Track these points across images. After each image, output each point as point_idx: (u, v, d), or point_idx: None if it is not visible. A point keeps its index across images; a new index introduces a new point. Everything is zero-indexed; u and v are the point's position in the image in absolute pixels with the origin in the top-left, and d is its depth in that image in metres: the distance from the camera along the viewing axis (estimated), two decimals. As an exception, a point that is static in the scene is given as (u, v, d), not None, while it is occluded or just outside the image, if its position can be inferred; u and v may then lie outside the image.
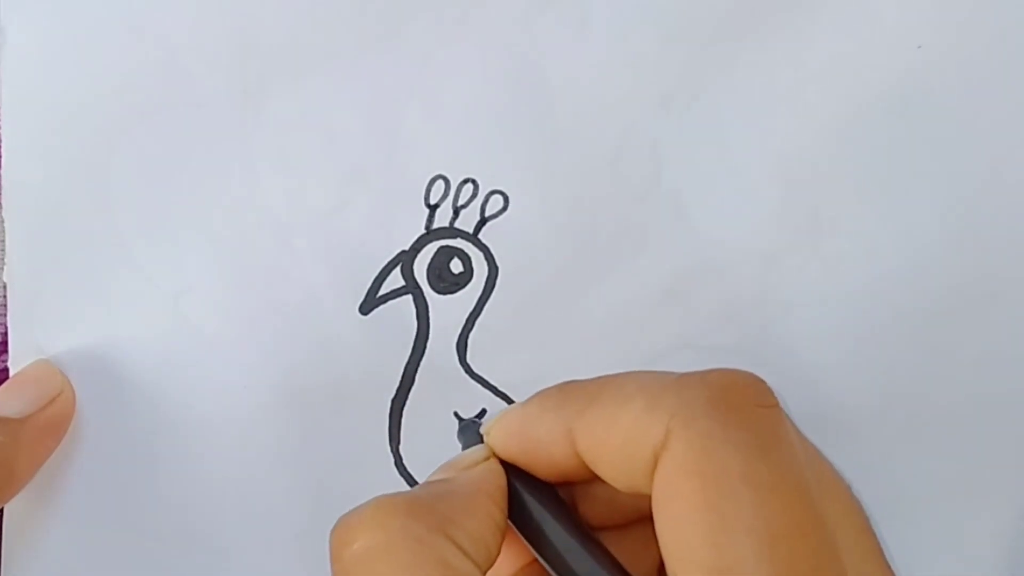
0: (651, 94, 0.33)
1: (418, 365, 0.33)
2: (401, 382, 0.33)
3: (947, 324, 0.33)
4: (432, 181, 0.33)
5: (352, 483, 0.33)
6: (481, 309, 0.33)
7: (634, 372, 0.26)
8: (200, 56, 0.32)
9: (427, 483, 0.27)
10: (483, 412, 0.32)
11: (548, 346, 0.33)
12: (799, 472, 0.23)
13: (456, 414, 0.33)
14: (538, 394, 0.27)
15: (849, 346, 0.33)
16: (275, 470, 0.33)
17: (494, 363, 0.33)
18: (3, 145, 0.32)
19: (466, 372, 0.33)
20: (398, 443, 0.33)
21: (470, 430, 0.28)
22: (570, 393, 0.26)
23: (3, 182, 0.32)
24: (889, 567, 0.25)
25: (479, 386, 0.33)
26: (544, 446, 0.26)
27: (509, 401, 0.33)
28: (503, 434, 0.27)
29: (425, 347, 0.33)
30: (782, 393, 0.33)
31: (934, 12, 0.33)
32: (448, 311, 0.33)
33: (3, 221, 0.33)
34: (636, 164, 0.33)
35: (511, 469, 0.27)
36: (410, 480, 0.33)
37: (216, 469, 0.33)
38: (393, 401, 0.33)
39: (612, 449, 0.24)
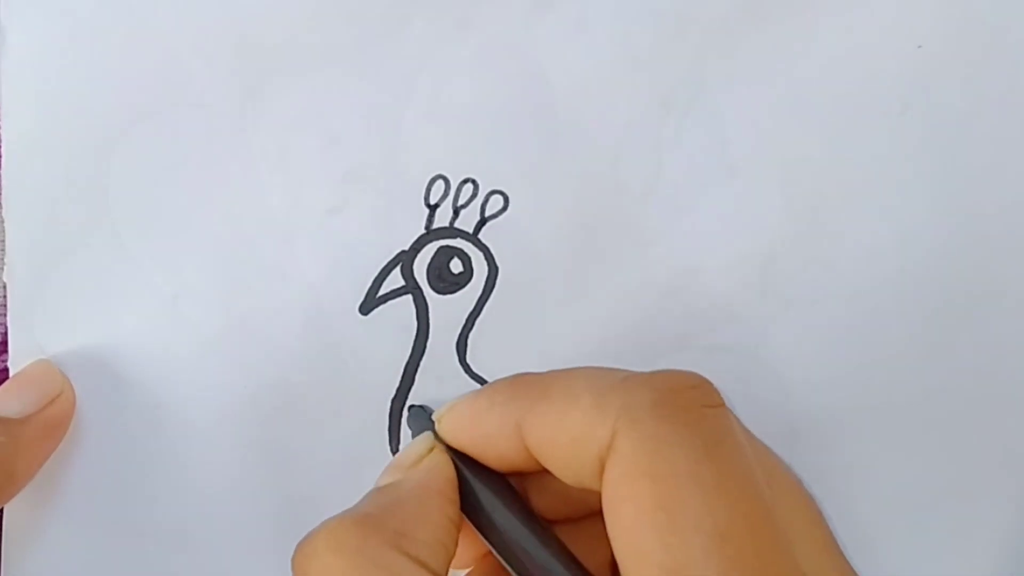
0: (651, 94, 0.33)
1: (418, 365, 0.33)
2: (401, 382, 0.33)
3: (947, 324, 0.33)
4: (432, 181, 0.33)
5: (352, 483, 0.33)
6: (481, 309, 0.33)
7: (584, 368, 0.26)
8: (200, 56, 0.32)
9: (377, 491, 0.27)
10: (427, 408, 0.32)
11: (548, 346, 0.33)
12: (746, 469, 0.23)
13: (410, 405, 0.33)
14: (489, 386, 0.27)
15: (849, 346, 0.33)
16: (275, 470, 0.33)
17: (494, 363, 0.33)
18: (3, 145, 0.32)
19: (466, 372, 0.33)
20: (398, 443, 0.33)
21: (420, 416, 0.28)
22: (520, 387, 0.26)
23: (3, 182, 0.32)
24: (844, 558, 0.25)
25: (479, 386, 0.33)
26: (493, 440, 0.26)
27: (509, 401, 0.33)
28: (453, 425, 0.27)
29: (425, 347, 0.33)
30: (782, 393, 0.33)
31: (934, 12, 0.33)
32: (448, 311, 0.33)
33: (3, 221, 0.33)
34: (636, 164, 0.33)
35: (462, 458, 0.27)
36: (410, 480, 0.33)
37: (215, 469, 0.33)
38: (393, 401, 0.33)
39: (560, 447, 0.25)
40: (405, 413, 0.32)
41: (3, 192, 0.32)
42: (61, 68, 0.32)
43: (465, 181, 0.33)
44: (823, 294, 0.33)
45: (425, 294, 0.33)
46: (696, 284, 0.33)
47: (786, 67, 0.33)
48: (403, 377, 0.33)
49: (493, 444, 0.26)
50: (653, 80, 0.33)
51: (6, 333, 0.33)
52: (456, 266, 0.33)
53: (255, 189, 0.33)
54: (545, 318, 0.33)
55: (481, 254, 0.33)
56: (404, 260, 0.33)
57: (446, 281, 0.33)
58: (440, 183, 0.33)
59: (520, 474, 0.27)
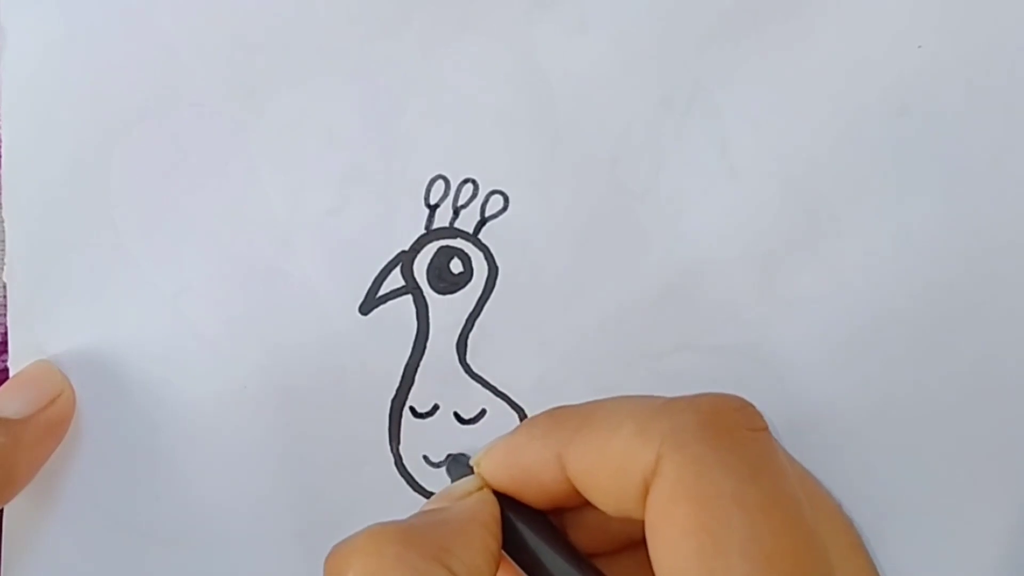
0: (651, 94, 0.33)
1: (418, 365, 0.33)
2: (401, 382, 0.33)
3: (947, 324, 0.33)
4: (432, 181, 0.33)
5: (352, 483, 0.33)
6: (481, 309, 0.33)
7: (624, 397, 0.26)
8: (200, 56, 0.32)
9: (421, 512, 0.27)
10: (464, 455, 0.31)
11: (548, 346, 0.33)
12: (791, 493, 0.23)
13: (448, 454, 0.33)
14: (526, 422, 0.27)
15: (849, 346, 0.33)
16: (275, 470, 0.33)
17: (494, 363, 0.33)
18: (3, 145, 0.32)
19: (466, 372, 0.33)
20: (398, 443, 0.33)
21: (458, 463, 0.28)
22: (559, 419, 0.26)
23: (3, 182, 0.32)
24: None
25: (479, 386, 0.33)
26: (534, 474, 0.26)
27: (509, 401, 0.33)
28: (493, 464, 0.27)
29: (425, 347, 0.33)
30: (782, 393, 0.33)
31: (934, 12, 0.33)
32: (448, 311, 0.33)
33: (3, 221, 0.33)
34: (636, 164, 0.33)
35: (503, 499, 0.27)
36: (410, 480, 0.33)
37: (216, 469, 0.33)
38: (393, 401, 0.33)
39: (603, 475, 0.25)
40: (445, 462, 0.32)
41: (3, 192, 0.32)
42: (61, 68, 0.32)
43: (465, 181, 0.33)
44: (823, 294, 0.33)
45: (425, 294, 0.33)
46: (696, 284, 0.33)
47: (786, 67, 0.33)
48: (403, 377, 0.33)
49: (534, 478, 0.26)
50: (653, 80, 0.33)
51: (6, 333, 0.33)
52: (456, 266, 0.33)
53: (255, 189, 0.33)
54: (545, 318, 0.33)
55: (481, 254, 0.33)
56: (404, 260, 0.33)
57: (446, 281, 0.33)
58: (440, 183, 0.33)
59: (559, 511, 0.27)
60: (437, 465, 0.33)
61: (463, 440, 0.33)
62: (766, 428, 0.24)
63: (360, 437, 0.33)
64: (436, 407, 0.33)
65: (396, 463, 0.33)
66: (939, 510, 0.33)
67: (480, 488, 0.27)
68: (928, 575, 0.33)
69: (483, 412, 0.33)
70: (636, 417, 0.24)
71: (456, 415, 0.33)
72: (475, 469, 0.27)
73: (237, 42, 0.32)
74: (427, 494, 0.33)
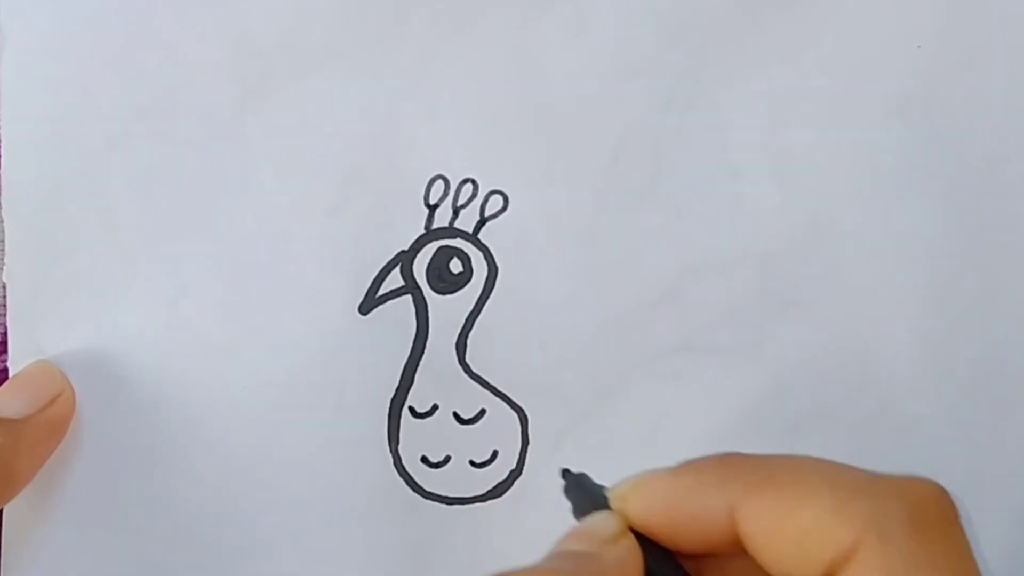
0: (651, 94, 0.33)
1: (417, 365, 0.33)
2: (400, 382, 0.33)
3: (947, 324, 0.33)
4: (432, 181, 0.33)
5: (351, 483, 0.33)
6: (481, 309, 0.33)
7: (812, 459, 0.24)
8: (200, 56, 0.32)
9: (573, 556, 0.24)
10: (588, 478, 0.27)
11: (548, 346, 0.33)
12: None
13: (565, 471, 0.27)
14: (692, 464, 0.25)
15: (849, 346, 0.33)
16: (274, 470, 0.33)
17: (494, 363, 0.33)
18: (3, 145, 0.32)
19: (465, 372, 0.33)
20: (397, 443, 0.33)
21: (585, 489, 0.26)
22: (734, 468, 0.25)
23: (3, 182, 0.32)
24: None
25: (478, 386, 0.33)
26: (699, 521, 0.24)
27: (509, 401, 0.33)
28: (647, 503, 0.25)
29: (424, 347, 0.33)
30: (782, 393, 0.33)
31: (934, 12, 0.33)
32: (448, 311, 0.33)
33: (3, 221, 0.33)
34: (636, 164, 0.33)
35: (645, 543, 0.25)
36: (409, 480, 0.33)
37: (215, 469, 0.33)
38: (392, 401, 0.33)
39: (783, 541, 0.23)
40: (561, 480, 0.27)
41: (3, 192, 0.32)
42: (61, 68, 0.32)
43: (465, 181, 0.33)
44: (823, 294, 0.33)
45: (425, 294, 0.33)
46: (696, 284, 0.33)
47: (786, 67, 0.33)
48: (402, 377, 0.33)
49: (698, 526, 0.24)
50: (653, 80, 0.33)
51: (6, 333, 0.33)
52: (456, 266, 0.33)
53: (255, 189, 0.33)
54: (545, 318, 0.33)
55: (481, 254, 0.33)
56: (404, 260, 0.33)
57: (446, 281, 0.33)
58: (440, 183, 0.33)
59: (700, 556, 0.26)
60: (436, 465, 0.33)
61: (462, 440, 0.33)
62: (959, 519, 0.24)
63: (359, 437, 0.33)
64: (435, 407, 0.33)
65: (395, 463, 0.33)
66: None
67: (623, 532, 0.25)
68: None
69: (482, 412, 0.33)
70: (835, 491, 0.23)
71: (455, 415, 0.33)
72: (616, 504, 0.25)
73: (237, 42, 0.32)
74: (426, 494, 0.33)
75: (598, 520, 0.25)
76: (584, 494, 0.26)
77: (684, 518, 0.25)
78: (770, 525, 0.23)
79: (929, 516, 0.23)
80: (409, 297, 0.33)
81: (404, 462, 0.33)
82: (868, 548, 0.22)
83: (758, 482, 0.24)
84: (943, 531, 0.23)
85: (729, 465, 0.25)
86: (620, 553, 0.24)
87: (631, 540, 0.25)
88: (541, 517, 0.32)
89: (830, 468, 0.24)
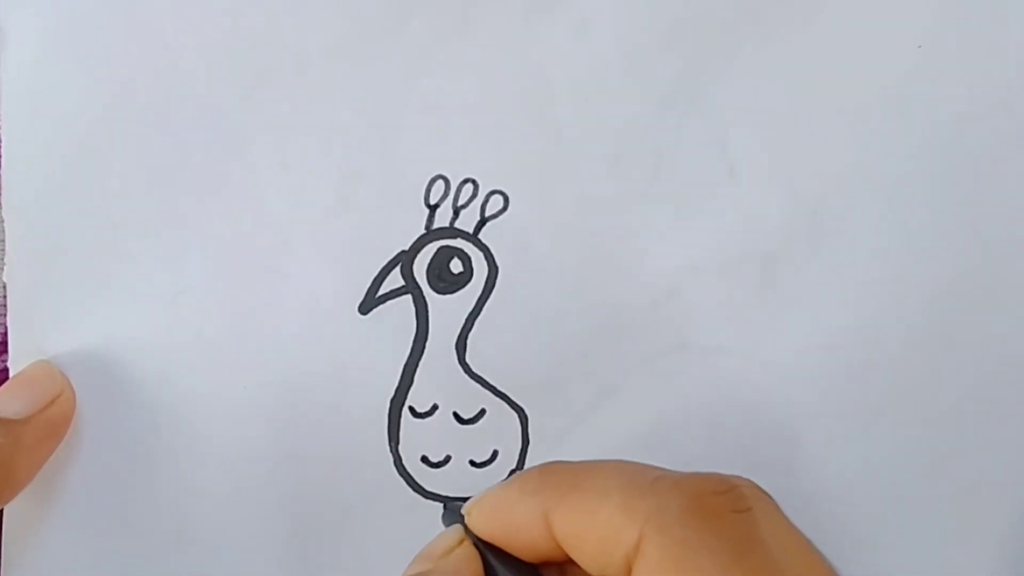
0: (651, 94, 0.33)
1: (417, 365, 0.33)
2: (400, 382, 0.33)
3: (947, 324, 0.33)
4: (432, 181, 0.33)
5: (351, 483, 0.33)
6: (481, 309, 0.33)
7: (615, 464, 0.26)
8: (200, 56, 0.32)
9: None
10: (459, 503, 0.29)
11: (548, 346, 0.33)
12: (776, 572, 0.23)
13: (444, 503, 0.32)
14: (519, 475, 0.27)
15: (849, 346, 0.33)
16: (274, 470, 0.33)
17: (494, 363, 0.33)
18: (3, 145, 0.32)
19: (465, 372, 0.33)
20: (397, 443, 0.33)
21: (451, 512, 0.28)
22: (550, 477, 0.26)
23: (3, 182, 0.32)
24: None
25: (478, 386, 0.33)
26: (522, 529, 0.26)
27: (508, 401, 0.33)
28: (482, 515, 0.27)
29: (424, 347, 0.33)
30: (782, 393, 0.33)
31: (934, 12, 0.33)
32: (448, 311, 0.33)
33: (3, 221, 0.33)
34: (636, 164, 0.33)
35: (492, 550, 0.27)
36: (409, 480, 0.33)
37: (215, 469, 0.33)
38: (392, 401, 0.33)
39: (588, 542, 0.25)
40: (441, 510, 0.30)
41: (3, 192, 0.32)
42: (61, 68, 0.32)
43: (465, 181, 0.33)
44: (823, 294, 0.33)
45: (425, 294, 0.33)
46: (696, 284, 0.33)
47: (786, 67, 0.33)
48: (402, 377, 0.33)
49: (522, 534, 0.26)
50: (653, 80, 0.33)
51: (6, 333, 0.33)
52: (456, 266, 0.33)
53: (255, 189, 0.33)
54: (545, 318, 0.33)
55: (481, 254, 0.33)
56: (404, 260, 0.33)
57: (446, 281, 0.33)
58: (440, 183, 0.33)
59: (548, 564, 0.27)
60: (436, 465, 0.33)
61: (462, 440, 0.33)
62: (751, 508, 0.24)
63: (359, 436, 0.33)
64: (435, 407, 0.33)
65: (395, 463, 0.33)
66: (939, 510, 0.33)
67: (461, 542, 0.27)
68: (928, 575, 0.33)
69: (482, 412, 0.33)
70: (623, 490, 0.25)
71: (455, 415, 0.33)
72: (466, 518, 0.27)
73: (237, 42, 0.32)
74: (426, 494, 0.33)
75: (442, 537, 0.27)
76: (450, 516, 0.28)
77: (510, 526, 0.26)
78: (577, 528, 0.25)
79: (705, 506, 0.24)
80: (409, 297, 0.33)
81: (404, 462, 0.33)
82: (648, 541, 0.24)
83: (567, 489, 0.25)
84: (720, 518, 0.24)
85: (547, 474, 0.26)
86: (453, 563, 0.26)
87: (466, 550, 0.27)
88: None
89: (627, 469, 0.25)
